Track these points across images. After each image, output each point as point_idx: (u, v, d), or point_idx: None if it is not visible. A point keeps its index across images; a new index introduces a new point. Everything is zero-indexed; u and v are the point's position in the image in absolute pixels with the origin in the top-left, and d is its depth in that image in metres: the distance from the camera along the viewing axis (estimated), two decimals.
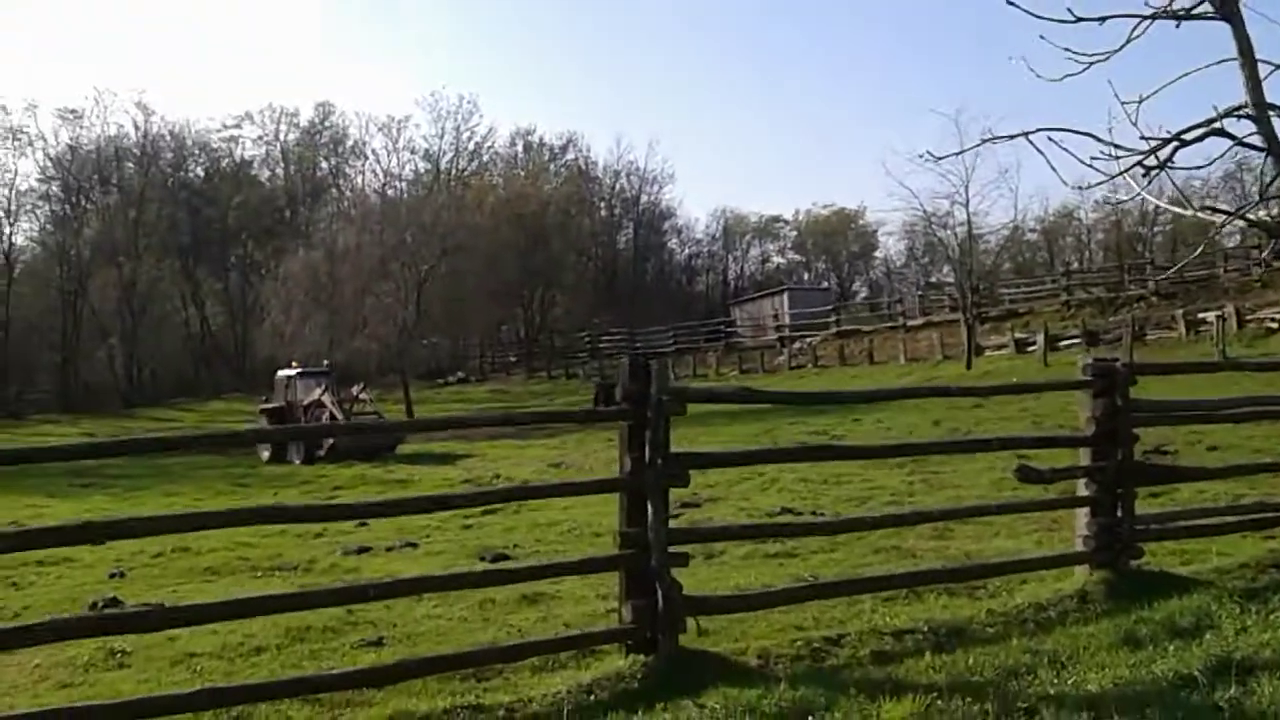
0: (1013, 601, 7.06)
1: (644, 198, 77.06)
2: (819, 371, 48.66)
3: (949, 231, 48.03)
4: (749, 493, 14.96)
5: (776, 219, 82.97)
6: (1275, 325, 34.84)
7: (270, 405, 34.26)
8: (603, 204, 77.07)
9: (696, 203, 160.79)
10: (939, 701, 4.92)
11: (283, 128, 75.35)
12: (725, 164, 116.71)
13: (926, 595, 7.59)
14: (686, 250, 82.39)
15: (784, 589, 7.31)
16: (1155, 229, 60.60)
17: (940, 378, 36.06)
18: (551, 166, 78.00)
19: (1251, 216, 3.31)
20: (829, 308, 59.29)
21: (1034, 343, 39.17)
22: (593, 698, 5.43)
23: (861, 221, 78.47)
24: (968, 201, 44.53)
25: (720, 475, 14.71)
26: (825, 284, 75.66)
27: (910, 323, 51.40)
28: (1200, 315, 35.84)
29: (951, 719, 4.78)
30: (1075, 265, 60.44)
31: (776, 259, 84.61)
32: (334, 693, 5.59)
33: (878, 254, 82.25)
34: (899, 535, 10.00)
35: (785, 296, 61.54)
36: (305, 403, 32.27)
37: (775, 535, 9.09)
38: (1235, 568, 7.62)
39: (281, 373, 35.39)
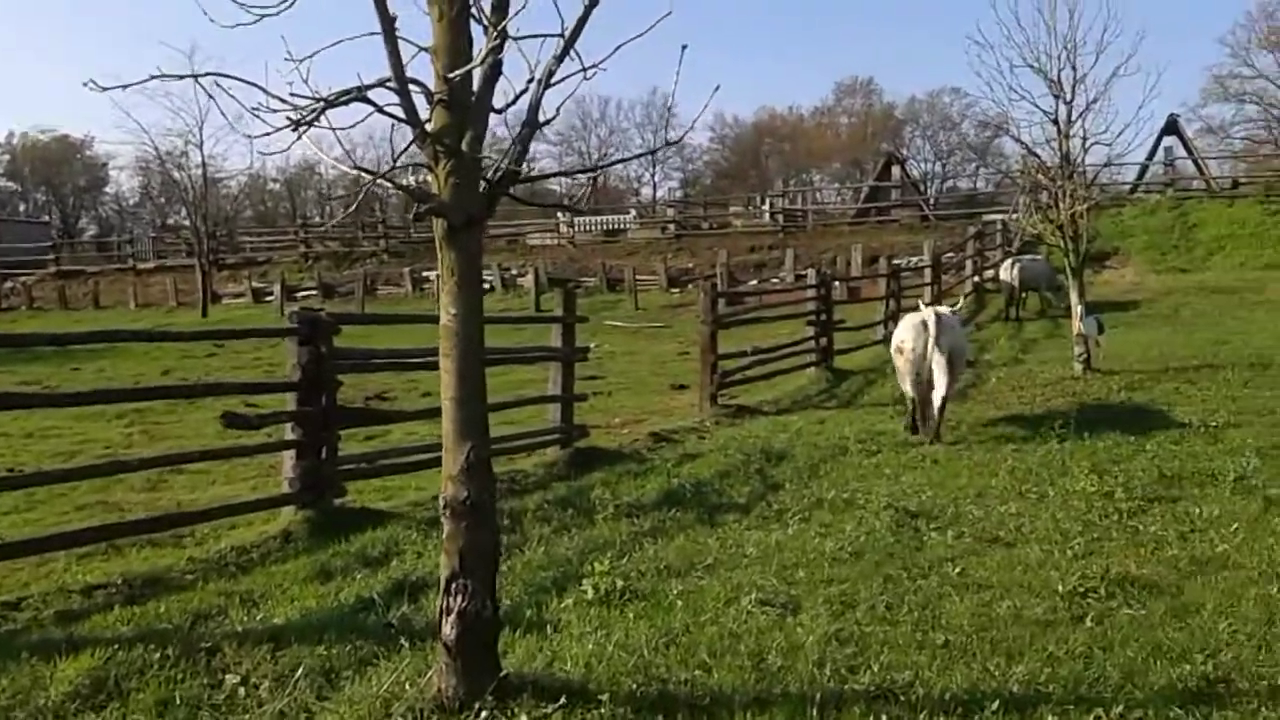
0: (217, 547, 7.07)
1: None
2: (34, 314, 43.61)
3: (185, 173, 45.91)
4: None
5: None
6: (487, 285, 39.48)
7: None
8: None
9: None
10: (120, 653, 4.76)
11: None
12: None
13: (129, 549, 7.27)
14: None
15: None
16: (390, 193, 64.45)
17: (174, 325, 34.48)
18: None
19: (402, 181, 3.66)
20: (48, 244, 53.26)
21: (272, 293, 39.43)
22: None
23: (90, 152, 71.54)
24: (201, 143, 43.10)
25: None
26: (45, 218, 67.69)
27: (142, 266, 48.41)
28: (425, 273, 39.12)
29: (131, 668, 4.65)
30: (316, 219, 61.92)
31: None
32: None
33: (108, 190, 75.81)
34: (107, 490, 9.42)
35: None
36: None
37: None
38: (428, 500, 8.43)
39: None
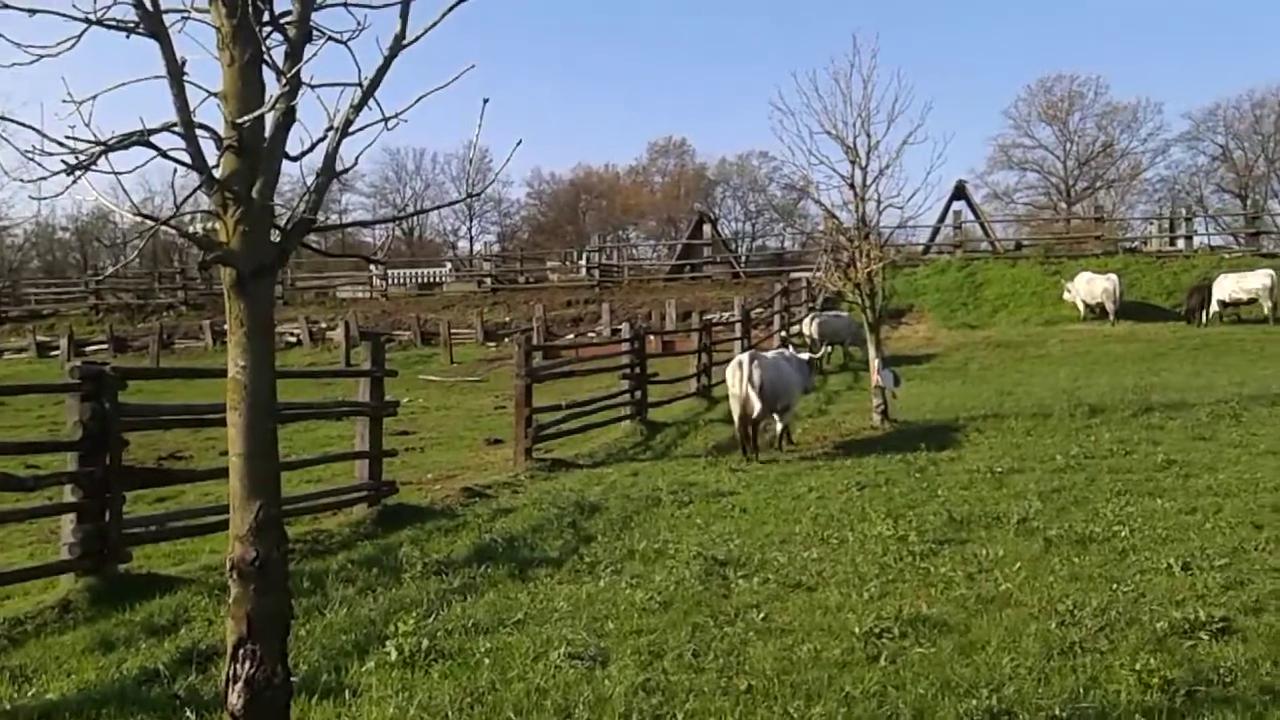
0: None
1: None
2: None
3: None
4: None
5: None
6: (294, 339, 38.32)
7: None
8: None
9: None
10: None
11: None
12: None
13: None
14: None
15: None
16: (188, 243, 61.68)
17: None
18: None
19: (188, 229, 3.51)
20: None
21: (58, 347, 36.96)
22: None
23: None
24: None
25: None
26: None
27: None
28: (224, 327, 37.45)
29: None
30: (109, 269, 58.54)
31: None
32: None
33: None
34: None
35: None
36: None
37: None
38: (221, 563, 8.00)
39: None
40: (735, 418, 13.56)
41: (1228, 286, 28.23)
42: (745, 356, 13.69)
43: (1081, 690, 4.78)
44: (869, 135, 15.17)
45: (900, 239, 38.92)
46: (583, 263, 46.10)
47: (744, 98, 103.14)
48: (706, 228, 46.84)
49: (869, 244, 15.51)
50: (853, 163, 15.26)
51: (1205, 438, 12.44)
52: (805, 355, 15.59)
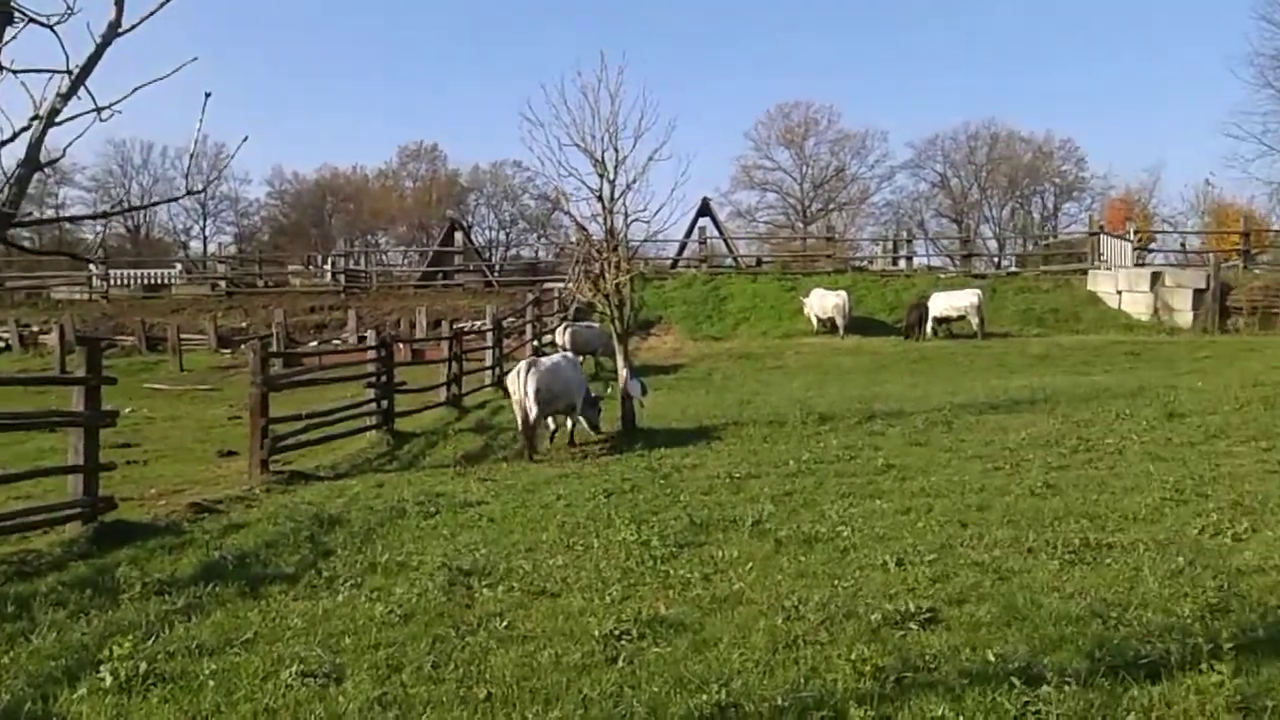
0: None
1: None
2: None
3: None
4: None
5: None
6: (2, 344, 34.98)
7: None
8: None
9: None
10: None
11: None
12: None
13: None
14: None
15: None
16: None
17: None
18: None
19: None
20: None
21: None
22: None
23: None
24: None
25: None
26: None
27: None
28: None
29: None
30: None
31: None
32: None
33: None
34: None
35: None
36: None
37: None
38: None
39: None
40: (518, 421, 14.67)
41: (941, 304, 30.78)
42: (524, 364, 14.72)
43: (802, 680, 5.06)
44: (617, 150, 15.49)
45: (650, 252, 40.19)
46: (328, 267, 44.60)
47: (496, 106, 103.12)
48: (459, 235, 46.38)
49: (617, 256, 15.84)
50: (601, 176, 15.53)
51: (921, 443, 13.47)
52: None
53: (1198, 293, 30.89)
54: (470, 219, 68.79)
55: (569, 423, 15.72)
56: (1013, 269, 40.86)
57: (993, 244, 58.37)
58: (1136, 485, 10.04)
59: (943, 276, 38.12)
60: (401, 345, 25.84)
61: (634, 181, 15.59)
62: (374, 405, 16.41)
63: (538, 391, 14.25)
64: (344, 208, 74.71)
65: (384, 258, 63.37)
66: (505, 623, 6.20)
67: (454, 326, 24.84)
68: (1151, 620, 5.86)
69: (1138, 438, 12.90)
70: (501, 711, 4.73)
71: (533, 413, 14.29)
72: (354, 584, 7.38)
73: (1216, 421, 13.88)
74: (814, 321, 31.87)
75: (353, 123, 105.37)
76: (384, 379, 16.64)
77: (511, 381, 14.68)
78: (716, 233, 45.63)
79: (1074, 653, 5.33)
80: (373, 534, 9.25)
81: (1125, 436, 13.02)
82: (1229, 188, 71.23)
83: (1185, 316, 30.81)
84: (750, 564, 7.53)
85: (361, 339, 26.23)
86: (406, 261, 56.35)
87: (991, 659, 5.25)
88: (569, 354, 16.72)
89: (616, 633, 5.84)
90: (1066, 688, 4.79)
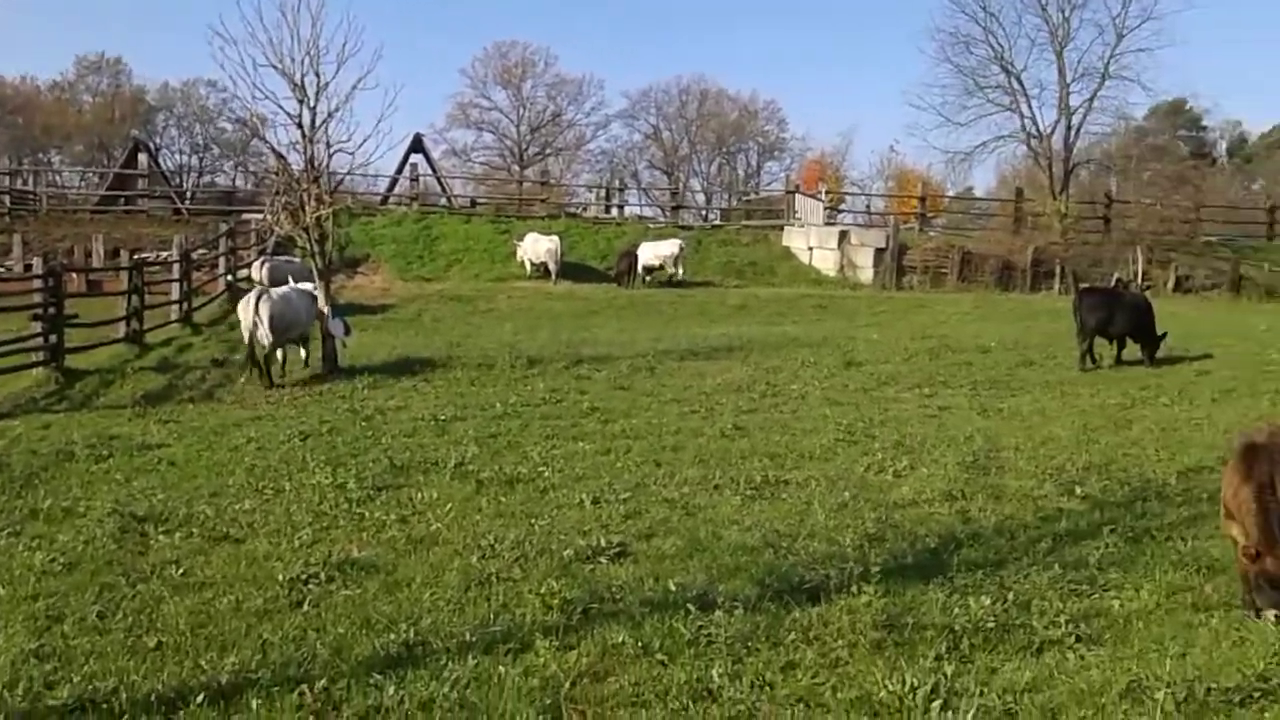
0: None
1: None
2: None
3: None
4: None
5: None
6: None
7: None
8: None
9: None
10: None
11: None
12: None
13: None
14: None
15: None
16: None
17: None
18: None
19: None
20: None
21: None
22: None
23: None
24: None
25: None
26: None
27: None
28: None
29: None
30: None
31: None
32: None
33: None
34: None
35: None
36: None
37: None
38: None
39: None
40: (249, 350, 14.70)
41: (648, 253, 31.75)
42: (254, 293, 14.81)
43: (493, 616, 5.14)
44: (318, 75, 14.72)
45: (360, 188, 38.77)
46: None
47: (188, 17, 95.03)
48: (143, 157, 42.63)
49: (318, 188, 15.14)
50: (300, 102, 14.73)
51: (625, 388, 13.90)
52: None
53: (878, 251, 33.52)
54: (158, 141, 63.45)
55: (302, 352, 15.91)
56: (717, 222, 42.62)
57: (701, 197, 60.49)
58: (815, 427, 10.86)
59: (652, 227, 39.19)
60: (75, 275, 23.60)
61: (337, 109, 14.91)
62: (40, 340, 14.91)
63: (271, 319, 14.29)
64: (10, 121, 66.74)
65: (57, 178, 57.42)
66: (182, 570, 5.88)
67: (136, 257, 22.92)
68: (817, 549, 6.39)
69: (819, 384, 13.93)
70: (173, 659, 4.50)
71: (266, 341, 14.36)
72: (11, 532, 6.77)
73: (888, 370, 15.22)
74: (527, 266, 31.94)
75: (22, 25, 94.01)
76: (53, 311, 15.14)
77: (243, 310, 14.63)
78: (430, 170, 44.58)
79: (747, 580, 5.72)
80: (35, 479, 8.49)
81: (808, 383, 14.03)
82: (911, 155, 76.97)
83: (867, 273, 33.38)
84: (449, 505, 7.52)
85: (28, 267, 23.72)
86: (84, 184, 51.27)
87: (672, 588, 5.54)
88: (300, 286, 16.35)
89: (304, 577, 5.69)
90: (736, 612, 5.14)
